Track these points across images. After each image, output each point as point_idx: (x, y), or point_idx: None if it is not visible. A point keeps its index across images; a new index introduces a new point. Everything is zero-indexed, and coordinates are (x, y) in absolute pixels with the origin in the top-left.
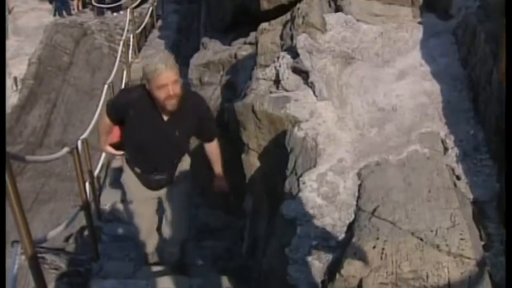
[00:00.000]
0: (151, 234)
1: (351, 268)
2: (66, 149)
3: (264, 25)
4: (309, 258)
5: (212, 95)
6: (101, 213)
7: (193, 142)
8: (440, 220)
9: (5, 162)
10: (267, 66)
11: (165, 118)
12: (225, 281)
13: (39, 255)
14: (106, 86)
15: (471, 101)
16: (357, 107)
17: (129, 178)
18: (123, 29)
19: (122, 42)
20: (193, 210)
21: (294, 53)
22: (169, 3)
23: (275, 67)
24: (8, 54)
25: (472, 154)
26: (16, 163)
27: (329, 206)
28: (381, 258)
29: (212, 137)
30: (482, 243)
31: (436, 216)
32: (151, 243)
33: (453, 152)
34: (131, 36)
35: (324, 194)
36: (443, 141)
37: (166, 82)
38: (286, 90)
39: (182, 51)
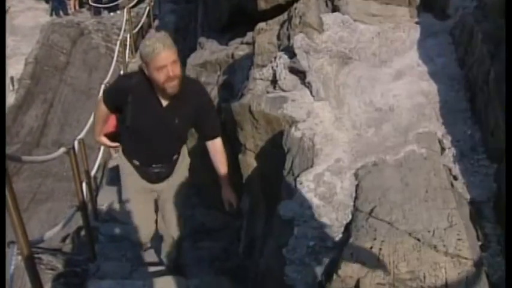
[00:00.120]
0: (149, 233)
1: (348, 269)
2: (62, 149)
3: (261, 25)
4: (306, 259)
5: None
6: (98, 214)
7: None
8: (438, 220)
9: (5, 163)
10: (264, 66)
11: (164, 104)
12: (222, 281)
13: (36, 255)
14: (103, 86)
15: (468, 101)
16: (354, 107)
17: (127, 170)
18: (120, 29)
19: (118, 42)
20: (190, 211)
21: (291, 53)
22: (166, 3)
23: (272, 67)
24: None
25: (469, 154)
26: (13, 163)
27: (326, 206)
28: (378, 258)
29: (214, 133)
30: (479, 243)
31: (433, 216)
32: (148, 242)
33: (450, 152)
34: (128, 36)
35: (321, 194)
36: (440, 142)
37: (165, 63)
38: (283, 90)
39: (179, 51)
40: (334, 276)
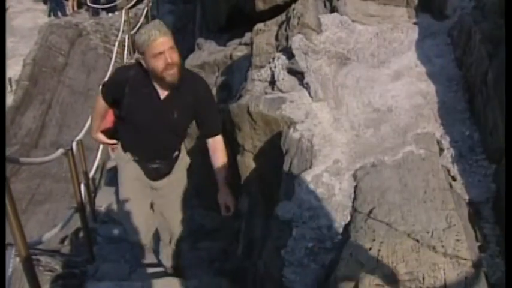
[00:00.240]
0: (147, 234)
1: (347, 270)
2: (60, 151)
3: (259, 26)
4: (305, 260)
5: None
6: (96, 215)
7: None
8: (436, 221)
9: (5, 164)
10: (262, 67)
11: (162, 97)
12: (220, 282)
13: (34, 257)
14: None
15: (467, 101)
16: (353, 107)
17: (126, 160)
18: (118, 30)
19: (117, 43)
20: (188, 212)
21: (289, 53)
22: (165, 3)
23: (270, 68)
24: None
25: (468, 155)
26: (11, 164)
27: (325, 207)
28: (377, 259)
29: (214, 130)
30: (478, 244)
31: (432, 217)
32: (146, 240)
33: (449, 152)
34: (126, 36)
35: (319, 195)
36: (438, 142)
37: (163, 49)
38: (282, 91)
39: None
40: (333, 278)
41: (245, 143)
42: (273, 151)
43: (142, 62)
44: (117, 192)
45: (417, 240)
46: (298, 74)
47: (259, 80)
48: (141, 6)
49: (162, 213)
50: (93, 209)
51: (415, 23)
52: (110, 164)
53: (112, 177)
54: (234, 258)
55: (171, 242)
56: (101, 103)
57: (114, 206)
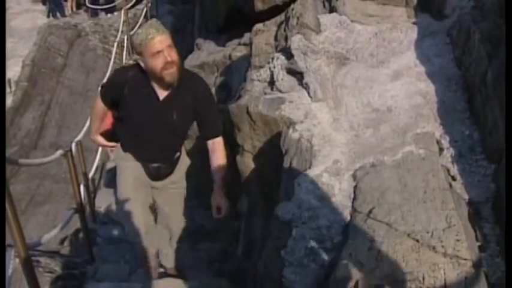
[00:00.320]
0: (147, 234)
1: (347, 270)
2: (60, 152)
3: (258, 26)
4: (305, 261)
5: None
6: (96, 216)
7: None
8: (436, 221)
9: (5, 165)
10: (261, 67)
11: (161, 98)
12: (220, 283)
13: (34, 258)
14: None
15: (466, 101)
16: (352, 108)
17: (126, 157)
18: (117, 30)
19: (116, 44)
20: (188, 212)
21: (288, 54)
22: (164, 4)
23: (269, 68)
24: None
25: (467, 154)
26: (10, 165)
27: (324, 207)
28: (377, 259)
29: (215, 131)
30: (478, 244)
31: (431, 217)
32: (146, 243)
33: (448, 152)
34: (125, 37)
35: (319, 195)
36: (438, 142)
37: (161, 47)
38: (281, 92)
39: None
40: (333, 278)
41: (244, 144)
42: (273, 151)
43: (141, 62)
44: (116, 192)
45: (417, 240)
46: (297, 74)
47: (259, 80)
48: (140, 6)
49: (162, 212)
50: (92, 210)
51: (414, 23)
52: (109, 165)
53: (111, 177)
54: (234, 259)
55: (171, 242)
56: (100, 105)
57: (114, 207)
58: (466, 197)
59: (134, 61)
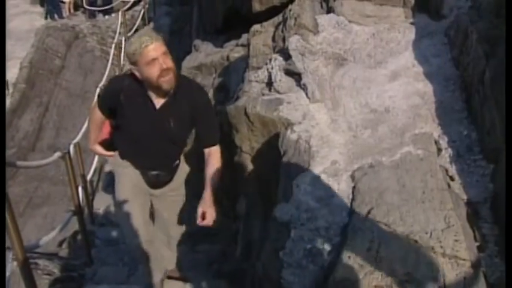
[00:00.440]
0: (148, 241)
1: (346, 271)
2: (57, 154)
3: (256, 27)
4: (304, 262)
5: None
6: (94, 218)
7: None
8: (435, 222)
9: (5, 167)
10: (259, 68)
11: (158, 106)
12: (219, 284)
13: (32, 260)
14: (98, 89)
15: (464, 101)
16: (350, 108)
17: (124, 165)
18: (115, 32)
19: (113, 45)
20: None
21: (286, 54)
22: (161, 5)
23: (267, 69)
24: None
25: (466, 155)
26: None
27: (323, 208)
28: (376, 260)
29: (211, 139)
30: (477, 244)
31: (430, 217)
32: (147, 250)
33: (447, 152)
34: (123, 39)
35: (317, 196)
36: (436, 142)
37: (156, 55)
38: (279, 93)
39: (174, 53)
40: (332, 279)
41: (242, 145)
42: (271, 152)
43: (136, 72)
44: (115, 199)
45: (416, 241)
46: (295, 75)
47: (256, 82)
48: (137, 8)
49: (160, 218)
50: (91, 212)
51: (411, 23)
52: (107, 167)
53: (110, 179)
54: (233, 260)
55: (170, 246)
56: (98, 114)
57: (112, 209)
58: (465, 197)
59: (129, 70)
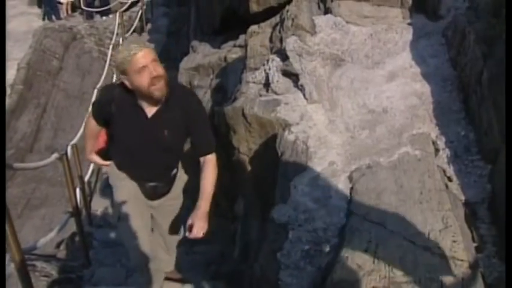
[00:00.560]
0: (150, 254)
1: (344, 272)
2: (55, 155)
3: (253, 28)
4: (301, 263)
5: (202, 99)
6: (92, 219)
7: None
8: (432, 222)
9: (5, 168)
10: (256, 69)
11: (150, 115)
12: (217, 286)
13: (30, 262)
14: (96, 90)
15: (461, 101)
16: (348, 109)
17: (121, 176)
18: (112, 33)
19: (111, 46)
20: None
21: (283, 55)
22: (159, 6)
23: (265, 70)
24: None
25: (463, 155)
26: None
27: (320, 209)
28: (374, 261)
29: (206, 147)
30: (475, 244)
31: (428, 218)
32: (150, 265)
33: (444, 153)
34: (121, 40)
35: (315, 197)
36: (434, 143)
37: (145, 62)
38: (276, 94)
39: (172, 54)
40: (330, 280)
41: (240, 146)
42: (268, 153)
43: (126, 81)
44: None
45: (413, 242)
46: (292, 76)
47: (254, 83)
48: (135, 9)
49: (157, 223)
50: (88, 213)
51: (409, 24)
52: (105, 168)
53: (108, 181)
54: (231, 262)
55: (169, 250)
56: (93, 123)
57: (110, 210)
58: (462, 197)
59: (119, 80)
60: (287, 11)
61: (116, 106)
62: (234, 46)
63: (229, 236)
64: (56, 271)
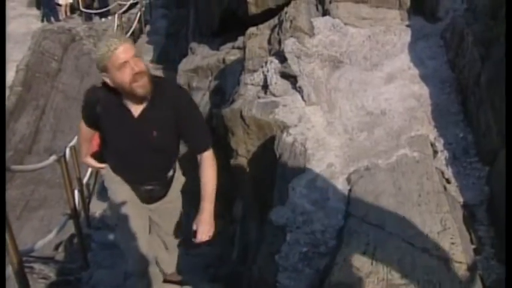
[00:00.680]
0: (149, 259)
1: (342, 274)
2: (53, 157)
3: (251, 30)
4: (299, 265)
5: (201, 101)
6: (91, 221)
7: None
8: (431, 224)
9: (5, 170)
10: (255, 71)
11: (136, 115)
12: None
13: (28, 264)
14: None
15: (460, 103)
16: (346, 111)
17: (116, 180)
18: None
19: None
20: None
21: (282, 57)
22: (158, 8)
23: (263, 72)
24: None
25: (462, 157)
26: None
27: (319, 211)
28: (372, 264)
29: (201, 144)
30: (473, 246)
31: (426, 220)
32: (141, 254)
33: (443, 155)
34: None
35: (313, 199)
36: (432, 145)
37: (126, 57)
38: (275, 95)
39: (170, 56)
40: (328, 283)
41: (238, 148)
42: (267, 155)
43: (107, 80)
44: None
45: (412, 244)
46: (291, 78)
47: (252, 84)
48: (134, 11)
49: (155, 226)
50: (87, 215)
51: (407, 26)
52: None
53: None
54: (229, 264)
55: (169, 250)
56: (84, 127)
57: (109, 212)
58: (461, 199)
59: (102, 81)
60: (285, 13)
61: (102, 107)
62: (233, 48)
63: (227, 238)
64: (54, 273)
